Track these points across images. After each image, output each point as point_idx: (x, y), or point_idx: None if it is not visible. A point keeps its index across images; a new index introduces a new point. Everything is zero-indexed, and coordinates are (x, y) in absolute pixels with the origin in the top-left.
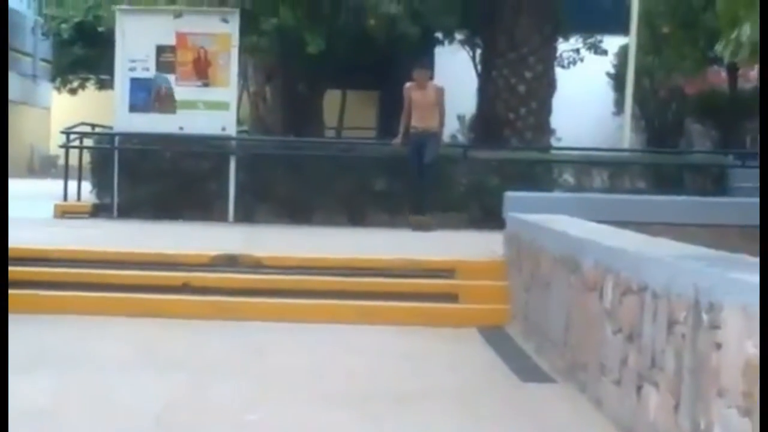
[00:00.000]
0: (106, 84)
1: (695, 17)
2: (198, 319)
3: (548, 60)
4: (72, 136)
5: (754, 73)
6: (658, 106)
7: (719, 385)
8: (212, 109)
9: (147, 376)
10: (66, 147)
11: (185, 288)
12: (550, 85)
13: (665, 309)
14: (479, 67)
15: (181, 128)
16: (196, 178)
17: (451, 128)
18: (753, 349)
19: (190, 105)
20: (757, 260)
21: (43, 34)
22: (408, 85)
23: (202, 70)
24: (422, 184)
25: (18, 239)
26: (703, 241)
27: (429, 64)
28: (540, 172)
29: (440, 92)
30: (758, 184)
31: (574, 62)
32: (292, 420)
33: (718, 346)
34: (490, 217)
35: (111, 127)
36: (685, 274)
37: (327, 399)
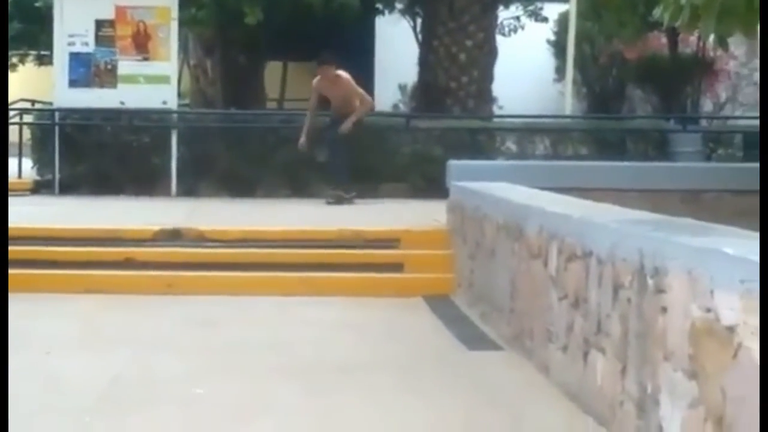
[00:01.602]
0: (45, 60)
1: None
2: (142, 294)
3: (489, 28)
4: (11, 113)
5: (693, 38)
6: (599, 73)
7: (665, 349)
8: (153, 83)
9: (91, 352)
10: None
11: (128, 263)
12: (491, 53)
13: (610, 274)
14: (420, 37)
15: (122, 103)
16: (138, 153)
17: (393, 98)
18: (698, 312)
19: (131, 79)
20: (701, 224)
21: None
22: (316, 80)
23: (142, 44)
24: (331, 160)
25: None
26: (644, 206)
27: (331, 57)
28: (482, 140)
29: (348, 81)
30: (698, 149)
31: (515, 30)
32: (238, 393)
33: (664, 310)
34: (433, 187)
35: (51, 103)
36: (629, 239)
37: (273, 371)
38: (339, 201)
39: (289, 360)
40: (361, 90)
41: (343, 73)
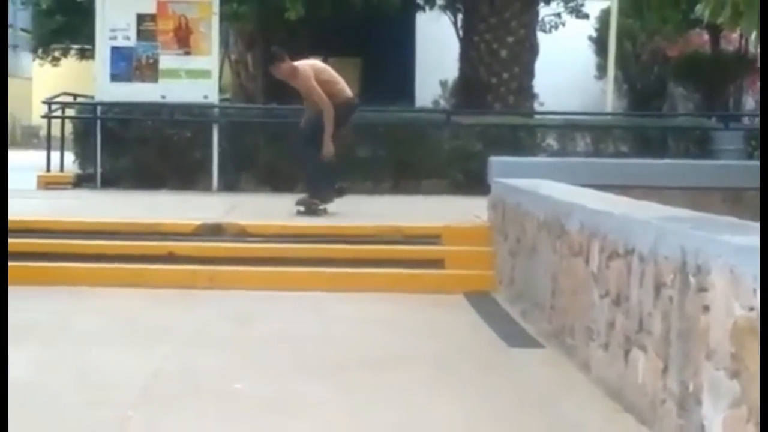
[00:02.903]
0: (87, 54)
1: None
2: (182, 288)
3: (530, 24)
4: (54, 107)
5: (735, 35)
6: (641, 70)
7: (708, 348)
8: (194, 78)
9: (132, 347)
10: (48, 117)
11: (170, 257)
12: (532, 50)
13: (652, 272)
14: (461, 32)
15: (163, 97)
16: (179, 147)
17: (434, 94)
18: (741, 311)
19: (172, 74)
20: (743, 222)
21: (22, 3)
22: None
23: (184, 39)
24: (303, 166)
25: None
26: (685, 203)
27: (279, 50)
28: (523, 136)
29: (305, 78)
30: (740, 147)
31: (556, 26)
32: (277, 388)
33: (706, 308)
34: (474, 183)
35: (93, 97)
36: (671, 237)
37: (312, 367)
38: (309, 209)
39: (328, 356)
40: (318, 89)
41: (302, 65)
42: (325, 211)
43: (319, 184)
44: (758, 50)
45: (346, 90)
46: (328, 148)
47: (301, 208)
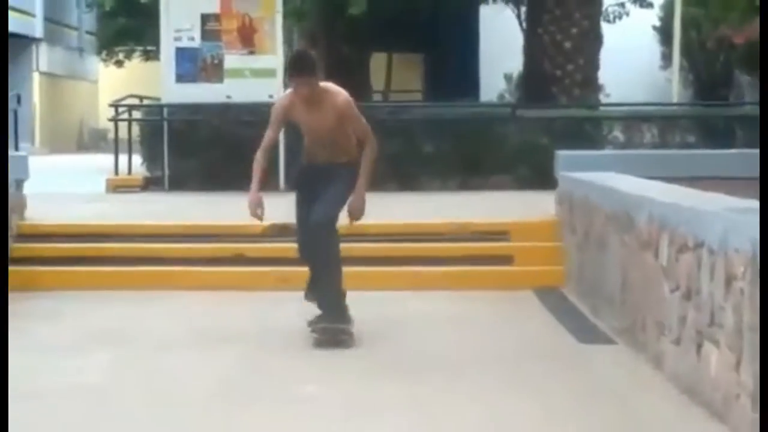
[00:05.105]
0: (152, 55)
1: None
2: (252, 290)
3: (594, 15)
4: (120, 109)
5: None
6: (706, 58)
7: None
8: (259, 77)
9: (204, 348)
10: (115, 120)
11: (239, 259)
12: (596, 41)
13: (723, 265)
14: (524, 25)
15: (228, 97)
16: (246, 148)
17: (499, 87)
18: None
19: (237, 73)
20: None
21: (87, 6)
22: (284, 99)
23: (248, 38)
24: (314, 262)
25: (73, 215)
26: (754, 194)
27: (309, 64)
28: (589, 129)
29: (345, 106)
30: None
31: (620, 16)
32: (348, 389)
33: None
34: (541, 177)
35: (159, 99)
36: (742, 229)
37: (383, 367)
38: (336, 339)
39: (398, 355)
40: (363, 122)
41: (334, 91)
42: (352, 336)
43: (341, 294)
44: None
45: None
46: (362, 200)
47: (322, 337)
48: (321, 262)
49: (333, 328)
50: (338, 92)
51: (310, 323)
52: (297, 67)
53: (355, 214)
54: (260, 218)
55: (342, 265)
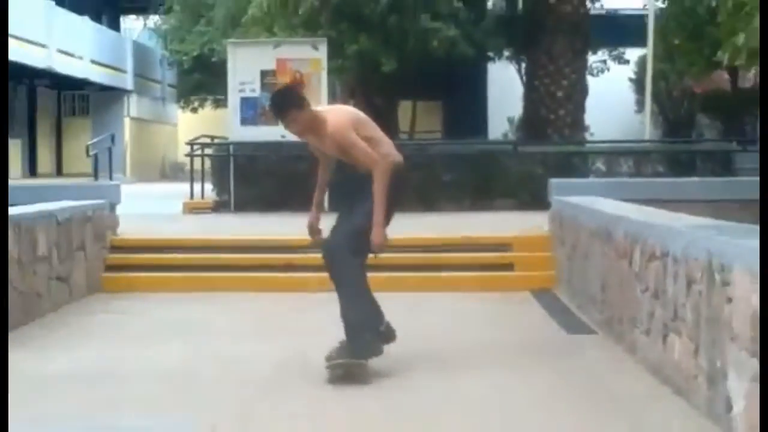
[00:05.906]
0: (221, 103)
1: (701, 30)
2: (298, 292)
3: (581, 70)
4: (195, 147)
5: (751, 74)
6: (673, 104)
7: (731, 332)
8: None
9: (261, 339)
10: (191, 155)
11: (288, 267)
12: (582, 90)
13: (684, 271)
14: (524, 78)
15: (282, 137)
16: (297, 177)
17: (503, 128)
18: (758, 301)
19: None
20: (758, 228)
21: (168, 65)
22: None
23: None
24: (345, 304)
25: (156, 231)
26: (709, 214)
27: (282, 104)
28: (577, 161)
29: (335, 137)
30: (757, 165)
31: (602, 71)
32: (385, 374)
33: (729, 300)
34: (537, 200)
35: (226, 138)
36: (700, 242)
37: (411, 355)
38: (349, 373)
39: (422, 345)
40: (363, 144)
41: (334, 113)
42: (366, 372)
43: (364, 327)
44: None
45: (394, 152)
46: (379, 234)
47: (338, 371)
48: (337, 289)
49: (346, 364)
50: (329, 122)
51: (328, 358)
52: (273, 112)
53: (377, 250)
54: (313, 238)
55: (364, 296)
